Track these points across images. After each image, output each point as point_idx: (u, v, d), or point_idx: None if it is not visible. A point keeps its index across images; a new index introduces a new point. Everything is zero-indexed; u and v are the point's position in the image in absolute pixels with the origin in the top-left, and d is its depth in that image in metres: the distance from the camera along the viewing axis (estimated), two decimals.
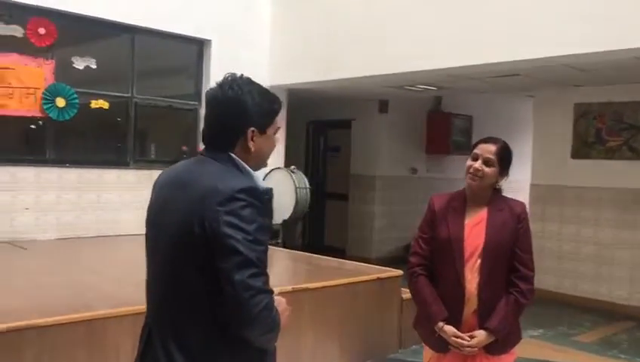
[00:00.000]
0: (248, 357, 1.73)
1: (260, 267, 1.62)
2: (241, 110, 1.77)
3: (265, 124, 1.82)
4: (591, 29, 5.10)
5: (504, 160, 2.66)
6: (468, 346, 2.58)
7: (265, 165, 1.91)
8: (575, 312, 6.97)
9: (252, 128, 1.78)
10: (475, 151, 2.68)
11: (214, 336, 1.68)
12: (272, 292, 1.66)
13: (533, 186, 7.96)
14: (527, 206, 7.95)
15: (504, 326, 2.59)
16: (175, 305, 1.72)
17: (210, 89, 1.83)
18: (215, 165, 1.76)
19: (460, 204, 2.72)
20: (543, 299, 6.97)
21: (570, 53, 5.31)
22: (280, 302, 1.74)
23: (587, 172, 7.40)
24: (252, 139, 1.78)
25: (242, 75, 1.84)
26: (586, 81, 6.97)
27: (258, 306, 1.59)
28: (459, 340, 2.58)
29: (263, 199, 1.69)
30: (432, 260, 2.72)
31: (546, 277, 7.44)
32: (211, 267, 1.63)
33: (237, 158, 1.78)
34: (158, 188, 1.87)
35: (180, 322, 1.71)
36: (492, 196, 2.70)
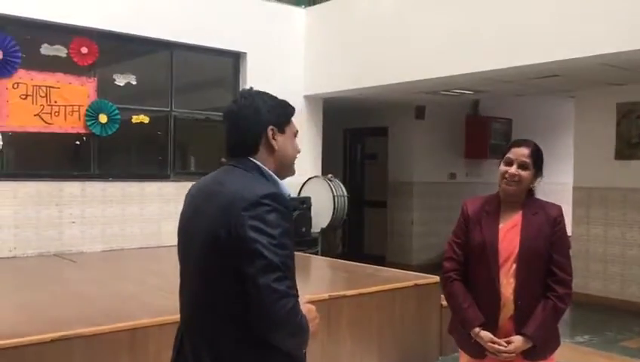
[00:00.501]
0: None
1: (284, 271, 1.65)
2: (256, 112, 1.84)
3: (282, 123, 1.88)
4: (630, 27, 4.99)
5: (538, 161, 2.64)
6: (505, 352, 2.54)
7: (292, 172, 1.94)
8: (622, 317, 6.75)
9: (271, 126, 1.85)
10: (509, 155, 2.65)
11: (244, 342, 1.70)
12: (297, 296, 1.68)
13: (575, 189, 7.78)
14: (570, 209, 7.77)
15: (542, 331, 2.55)
16: (205, 312, 1.76)
17: (226, 106, 1.91)
18: (241, 173, 1.82)
19: (494, 207, 2.69)
20: (588, 304, 6.81)
21: (609, 52, 5.22)
22: (309, 310, 1.76)
23: (632, 173, 7.19)
24: (274, 138, 1.85)
25: (252, 87, 1.94)
26: (628, 80, 6.80)
27: (283, 309, 1.62)
28: (495, 346, 2.55)
29: (287, 204, 1.73)
30: (466, 265, 2.70)
31: (592, 281, 7.25)
32: (239, 273, 1.66)
33: (262, 166, 1.84)
34: (190, 199, 1.94)
35: (209, 328, 1.74)
36: (526, 199, 2.67)
